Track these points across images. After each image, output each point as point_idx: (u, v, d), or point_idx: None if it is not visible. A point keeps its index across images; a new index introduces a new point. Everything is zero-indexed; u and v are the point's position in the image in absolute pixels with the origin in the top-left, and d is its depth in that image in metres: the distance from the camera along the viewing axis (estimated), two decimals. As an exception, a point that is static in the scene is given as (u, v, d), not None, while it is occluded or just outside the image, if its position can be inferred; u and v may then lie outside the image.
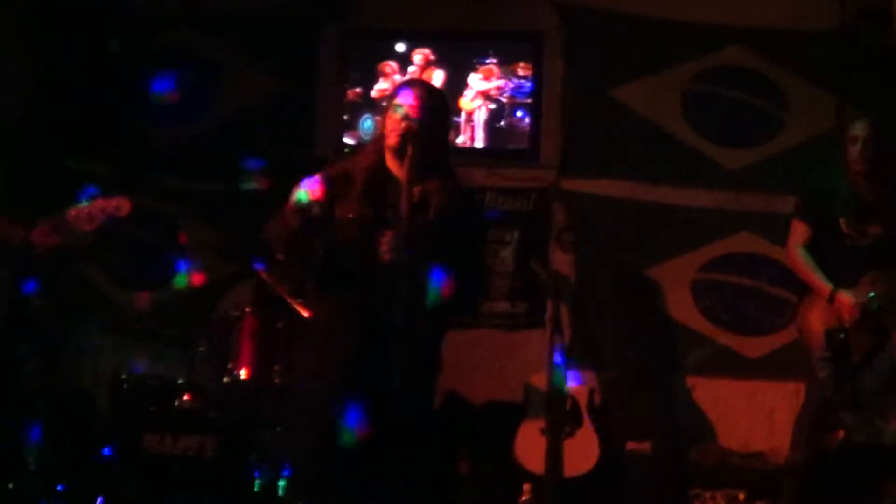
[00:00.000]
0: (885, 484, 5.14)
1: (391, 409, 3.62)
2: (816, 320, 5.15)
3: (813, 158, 6.25)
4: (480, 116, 6.64)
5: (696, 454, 6.14)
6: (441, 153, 3.93)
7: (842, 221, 5.18)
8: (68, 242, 4.47)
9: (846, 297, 5.06)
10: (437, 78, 6.57)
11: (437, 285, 3.70)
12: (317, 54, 6.78)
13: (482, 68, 6.65)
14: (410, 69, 6.65)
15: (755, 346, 6.41)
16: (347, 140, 6.63)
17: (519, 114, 6.65)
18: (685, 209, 6.54)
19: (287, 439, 5.11)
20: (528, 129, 6.65)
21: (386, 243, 3.71)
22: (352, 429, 3.67)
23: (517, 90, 6.64)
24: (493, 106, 6.63)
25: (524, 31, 6.72)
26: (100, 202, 4.40)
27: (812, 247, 5.26)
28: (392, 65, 6.68)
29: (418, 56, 6.67)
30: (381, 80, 6.69)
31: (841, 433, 5.38)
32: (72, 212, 4.39)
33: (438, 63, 6.65)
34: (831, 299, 5.08)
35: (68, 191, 4.62)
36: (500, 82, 6.64)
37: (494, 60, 6.64)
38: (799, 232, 5.31)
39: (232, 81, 6.79)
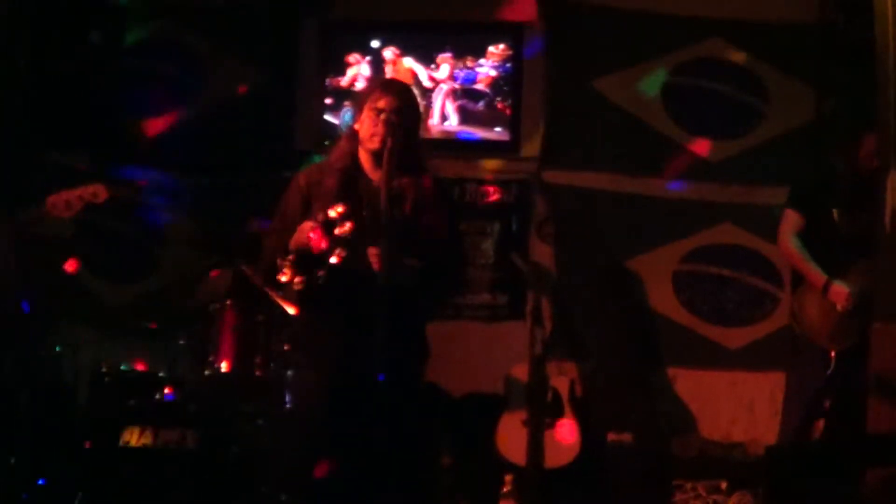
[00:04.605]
0: (865, 473, 5.14)
1: (377, 399, 3.65)
2: (812, 309, 5.19)
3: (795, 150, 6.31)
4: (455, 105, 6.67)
5: (677, 445, 6.15)
6: (414, 150, 3.98)
7: (834, 212, 5.21)
8: (47, 232, 4.47)
9: (841, 288, 5.09)
10: (408, 65, 6.64)
11: None
12: (296, 47, 6.78)
13: (461, 58, 6.66)
14: (386, 56, 6.66)
15: (736, 337, 6.43)
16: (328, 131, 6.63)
17: (499, 104, 6.66)
18: (666, 201, 6.55)
19: (271, 431, 5.12)
20: (508, 120, 6.66)
21: (374, 255, 3.72)
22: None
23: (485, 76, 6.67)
24: (470, 95, 6.66)
25: (505, 23, 6.72)
26: (77, 189, 4.40)
27: (802, 236, 5.28)
28: (356, 56, 6.69)
29: (388, 52, 6.70)
30: (348, 70, 6.71)
31: (822, 422, 5.41)
32: (49, 200, 4.40)
33: (413, 53, 6.68)
34: (825, 290, 5.13)
35: (48, 183, 4.61)
36: (482, 71, 6.67)
37: (472, 51, 6.67)
38: (791, 221, 5.33)
39: (212, 74, 6.76)
